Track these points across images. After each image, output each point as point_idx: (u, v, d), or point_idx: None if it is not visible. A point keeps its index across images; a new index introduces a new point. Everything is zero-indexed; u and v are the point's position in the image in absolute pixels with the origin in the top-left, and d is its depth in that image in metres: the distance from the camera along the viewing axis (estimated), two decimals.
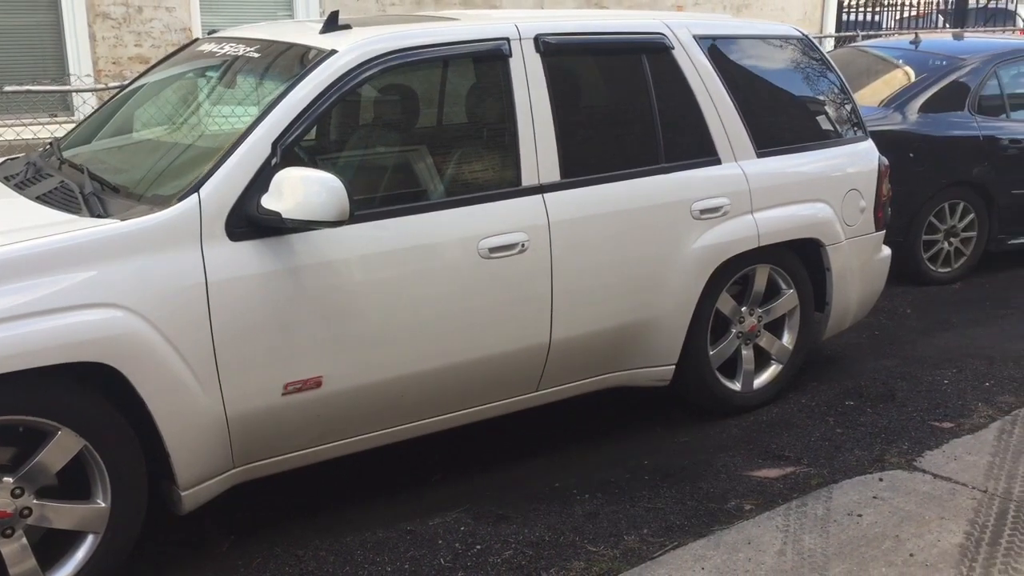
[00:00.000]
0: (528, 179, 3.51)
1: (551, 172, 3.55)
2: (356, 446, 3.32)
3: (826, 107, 4.50)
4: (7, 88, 4.81)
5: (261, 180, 2.95)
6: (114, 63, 6.45)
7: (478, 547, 3.23)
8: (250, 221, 2.93)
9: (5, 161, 3.85)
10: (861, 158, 4.48)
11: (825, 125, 4.45)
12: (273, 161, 2.99)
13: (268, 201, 2.91)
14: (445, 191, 3.43)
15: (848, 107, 4.57)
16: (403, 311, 3.22)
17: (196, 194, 2.90)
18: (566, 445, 4.01)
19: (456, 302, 3.32)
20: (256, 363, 2.96)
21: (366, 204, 3.20)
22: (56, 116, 6.06)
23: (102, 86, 5.72)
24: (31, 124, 5.80)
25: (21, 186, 3.30)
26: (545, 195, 3.52)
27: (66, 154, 3.59)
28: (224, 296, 2.89)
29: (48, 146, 3.87)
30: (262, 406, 3.01)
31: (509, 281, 3.43)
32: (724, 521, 3.37)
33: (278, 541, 3.25)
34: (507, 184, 3.49)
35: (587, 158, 3.67)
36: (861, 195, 4.43)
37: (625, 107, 3.89)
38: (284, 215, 2.87)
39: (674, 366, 4.00)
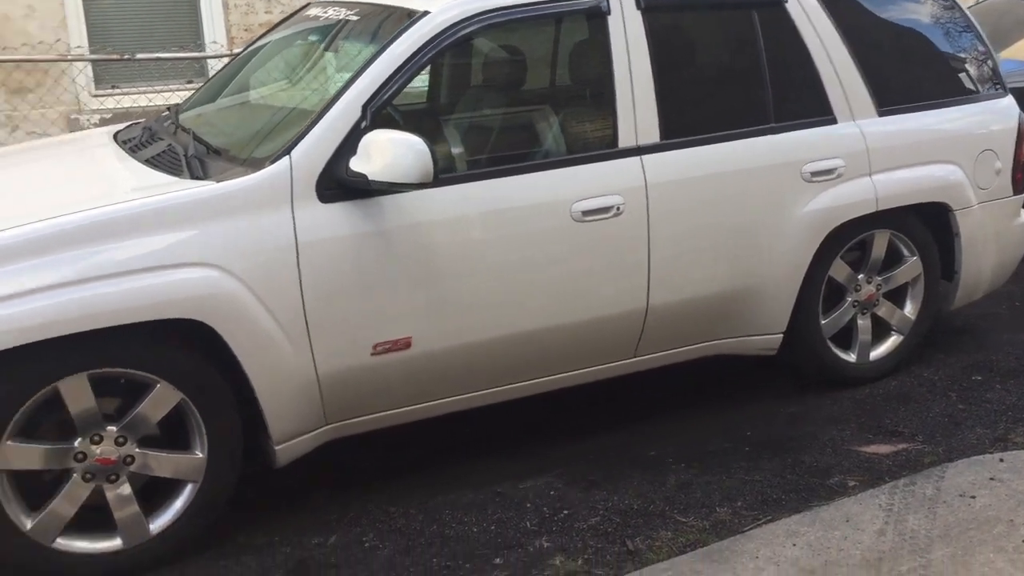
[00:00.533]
0: (625, 140, 3.41)
1: (650, 133, 3.45)
2: (447, 407, 3.35)
3: (959, 61, 4.19)
4: (140, 56, 5.03)
5: (350, 143, 2.98)
6: (246, 30, 6.67)
7: (565, 512, 3.21)
8: (339, 183, 2.97)
9: (129, 126, 4.03)
10: (998, 116, 4.15)
11: (957, 81, 4.14)
12: (363, 124, 3.01)
13: (356, 163, 2.94)
14: (537, 153, 3.39)
15: (984, 61, 4.23)
16: (493, 274, 3.21)
17: (288, 157, 2.95)
18: (664, 414, 3.93)
19: (548, 266, 3.29)
20: (345, 323, 3.01)
21: (456, 167, 3.19)
22: (191, 82, 6.34)
23: (228, 52, 5.93)
24: (162, 91, 6.08)
25: (134, 150, 3.46)
26: (643, 157, 3.43)
27: (181, 118, 3.74)
28: (314, 257, 2.94)
29: (167, 111, 4.03)
30: (352, 366, 3.06)
31: (603, 245, 3.36)
32: (824, 497, 3.24)
33: (371, 497, 3.32)
34: (603, 145, 3.41)
35: (689, 118, 3.54)
36: (997, 156, 4.11)
37: (731, 64, 3.73)
38: (370, 177, 2.89)
39: (782, 335, 3.84)
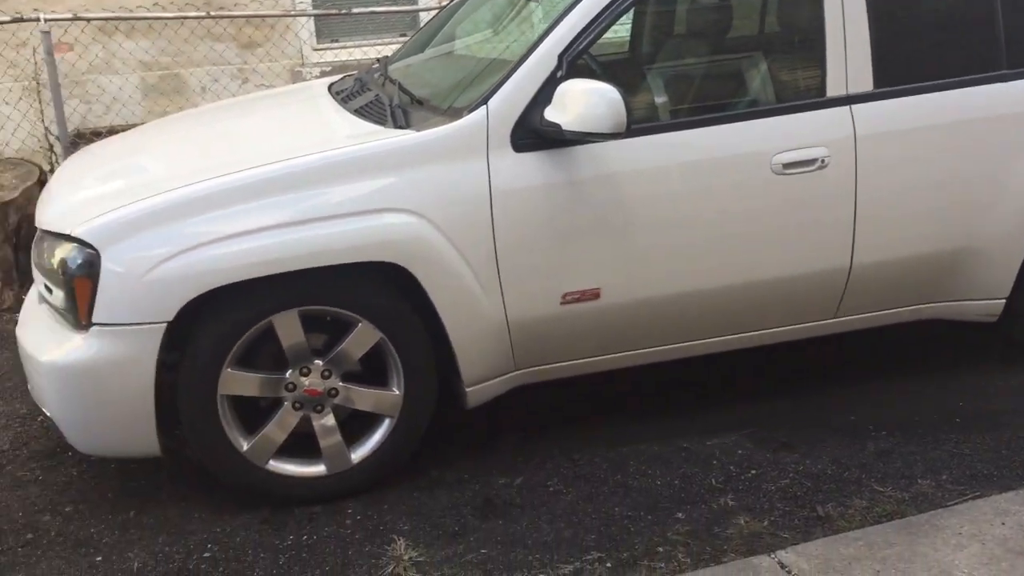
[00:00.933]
0: (834, 89, 3.24)
1: (862, 81, 3.25)
2: (636, 359, 3.34)
3: None
4: (356, 10, 5.26)
5: (546, 92, 2.99)
6: None
7: (753, 472, 3.15)
8: (534, 133, 3.00)
9: (342, 77, 4.23)
10: None
11: None
12: (559, 74, 3.01)
13: (551, 113, 2.95)
14: (737, 103, 3.27)
15: None
16: (687, 227, 3.15)
17: (484, 106, 3.01)
18: (868, 378, 3.74)
19: (744, 219, 3.19)
20: (536, 272, 3.06)
21: (652, 116, 3.14)
22: (404, 35, 6.55)
23: (438, 5, 6.08)
24: (377, 44, 6.32)
25: (345, 100, 3.63)
26: (853, 106, 3.24)
27: (389, 69, 3.88)
28: (507, 205, 3.00)
29: (376, 63, 4.19)
30: (541, 314, 3.11)
31: (805, 199, 3.22)
32: None
33: (557, 444, 3.38)
34: (809, 94, 3.25)
35: (907, 65, 3.30)
36: None
37: (959, 5, 3.43)
38: (564, 127, 2.90)
39: (1004, 300, 3.55)
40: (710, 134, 3.15)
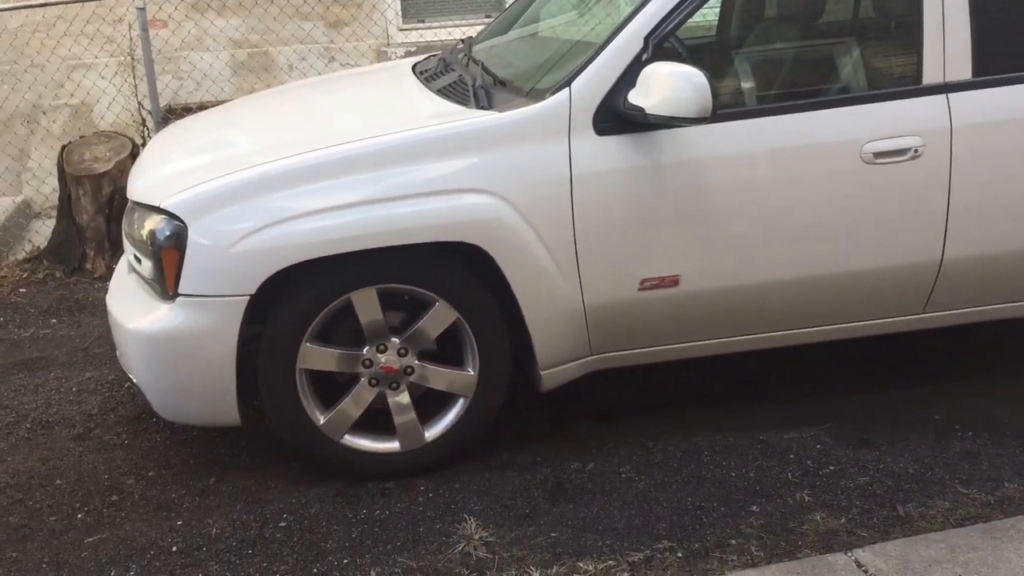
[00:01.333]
0: (931, 76, 3.12)
1: (961, 69, 3.13)
2: (713, 348, 3.29)
3: None
4: None
5: (630, 75, 2.95)
6: None
7: (831, 468, 3.08)
8: (616, 116, 2.97)
9: (427, 57, 4.25)
10: None
11: None
12: (644, 56, 2.97)
13: (635, 96, 2.91)
14: (827, 89, 3.18)
15: None
16: (770, 215, 3.08)
17: (567, 88, 2.98)
18: (957, 377, 3.63)
19: (830, 209, 3.10)
20: (614, 257, 3.03)
21: (739, 101, 3.07)
22: (488, 16, 6.55)
23: None
24: (461, 24, 6.33)
25: (429, 80, 3.64)
26: (950, 95, 3.12)
27: (473, 50, 3.88)
28: (587, 189, 2.97)
29: (461, 43, 4.20)
30: (618, 299, 3.08)
31: (896, 190, 3.12)
32: None
33: (630, 430, 3.36)
34: (903, 82, 3.15)
35: (1008, 53, 3.17)
36: None
37: None
38: (647, 111, 2.85)
39: None
40: (798, 121, 3.07)
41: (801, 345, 3.36)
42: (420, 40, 6.42)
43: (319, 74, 6.32)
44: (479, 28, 5.82)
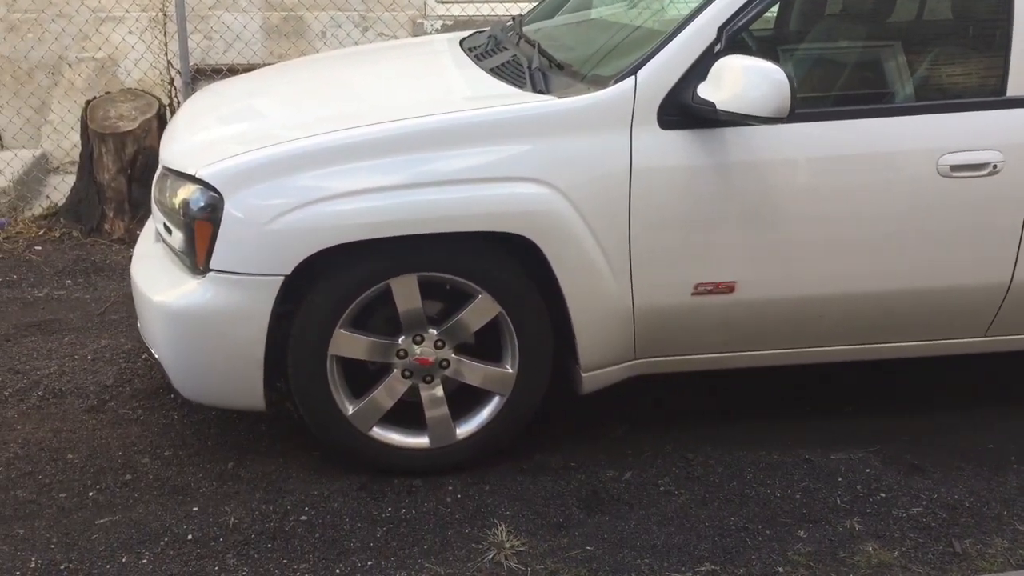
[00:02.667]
0: (1017, 88, 2.94)
1: None
2: (763, 360, 3.13)
3: None
4: None
5: (701, 67, 2.77)
6: None
7: (882, 495, 2.92)
8: (683, 110, 2.79)
9: (474, 33, 4.06)
10: None
11: None
12: (717, 48, 2.79)
13: (704, 90, 2.74)
14: (907, 95, 3.01)
15: None
16: (836, 225, 2.91)
17: (633, 77, 2.81)
18: (1009, 403, 3.46)
19: (898, 222, 2.93)
20: (670, 258, 2.87)
21: (814, 102, 2.90)
22: None
23: None
24: (503, 1, 6.12)
25: (479, 58, 3.46)
26: None
27: (525, 29, 3.70)
28: (647, 185, 2.80)
29: (512, 20, 4.01)
30: (670, 303, 2.92)
31: (970, 206, 2.95)
32: None
33: (669, 440, 3.21)
34: (986, 92, 2.97)
35: None
36: None
37: None
38: (718, 106, 2.68)
39: None
40: (873, 127, 2.90)
41: (851, 362, 3.21)
42: (461, 15, 6.21)
43: (355, 43, 6.13)
44: (520, 7, 5.64)
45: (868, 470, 3.05)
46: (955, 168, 2.91)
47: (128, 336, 3.86)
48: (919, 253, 2.98)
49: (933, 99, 3.03)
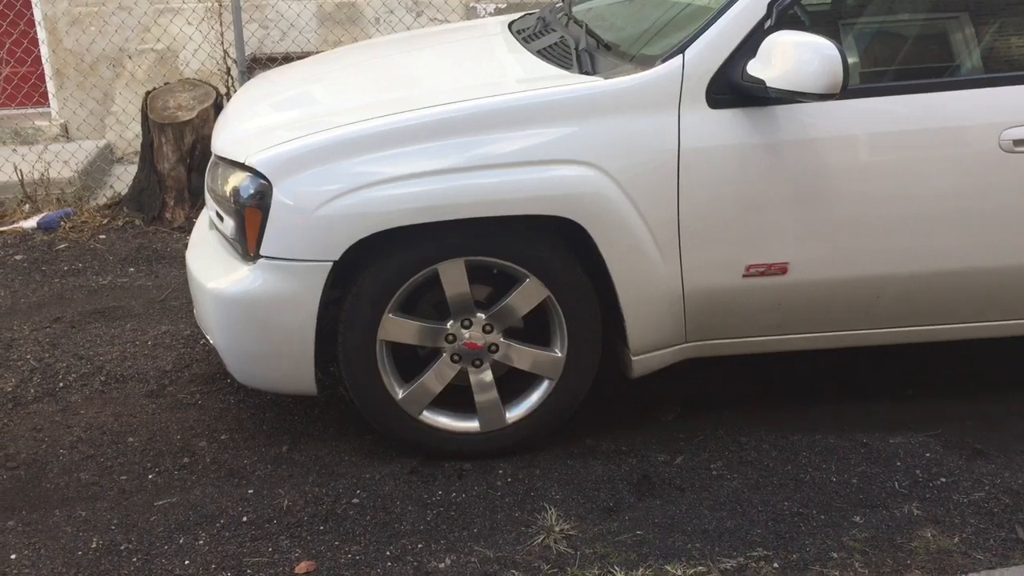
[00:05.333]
0: None
1: None
2: (817, 343, 3.07)
3: None
4: None
5: (750, 44, 2.71)
6: None
7: (942, 480, 2.85)
8: (732, 88, 2.74)
9: (523, 16, 4.04)
10: None
11: None
12: (767, 24, 2.73)
13: (754, 67, 2.68)
14: (961, 68, 2.91)
15: None
16: (892, 203, 2.83)
17: (680, 56, 2.76)
18: None
19: (959, 200, 2.85)
20: (720, 239, 2.82)
21: (864, 78, 2.82)
22: None
23: None
24: None
25: (527, 40, 3.44)
26: None
27: (575, 10, 3.66)
28: (695, 165, 2.76)
29: (561, 2, 3.98)
30: (720, 285, 2.88)
31: None
32: None
33: (722, 423, 3.17)
34: None
35: None
36: None
37: None
38: (768, 83, 2.62)
39: None
40: (930, 101, 2.81)
41: (906, 344, 3.13)
42: None
43: (407, 28, 6.15)
44: None
45: (928, 454, 2.97)
46: (1018, 143, 2.81)
47: (187, 322, 3.94)
48: (978, 231, 2.89)
49: (994, 72, 2.92)
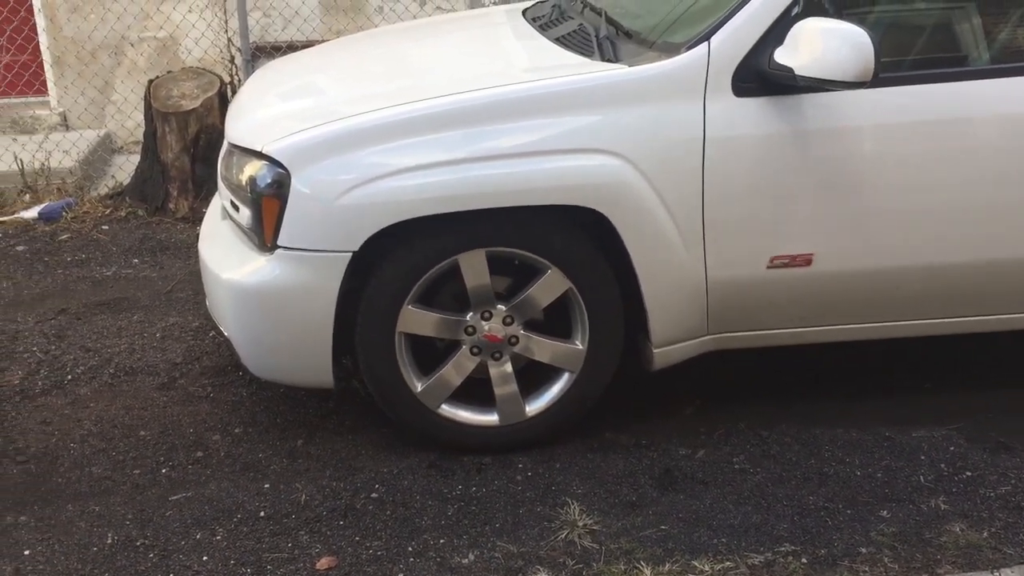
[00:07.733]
0: None
1: None
2: (840, 335, 3.03)
3: None
4: None
5: (778, 31, 2.67)
6: None
7: (968, 474, 2.82)
8: (759, 76, 2.69)
9: (538, 3, 3.98)
10: None
11: None
12: (795, 10, 2.68)
13: (782, 55, 2.64)
14: (998, 56, 2.87)
15: None
16: (925, 193, 2.80)
17: (706, 43, 2.71)
18: None
19: (985, 189, 2.81)
20: (744, 230, 2.78)
21: (895, 66, 2.78)
22: None
23: None
24: None
25: (544, 27, 3.38)
26: None
27: None
28: (720, 154, 2.72)
29: None
30: (744, 276, 2.84)
31: None
32: None
33: (743, 417, 3.13)
34: None
35: None
36: None
37: None
38: (796, 71, 2.58)
39: None
40: (963, 90, 2.77)
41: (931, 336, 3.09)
42: None
43: (412, 17, 6.09)
44: None
45: (952, 448, 2.94)
46: None
47: (195, 314, 3.89)
48: (1002, 221, 2.85)
49: (1021, 61, 2.88)
